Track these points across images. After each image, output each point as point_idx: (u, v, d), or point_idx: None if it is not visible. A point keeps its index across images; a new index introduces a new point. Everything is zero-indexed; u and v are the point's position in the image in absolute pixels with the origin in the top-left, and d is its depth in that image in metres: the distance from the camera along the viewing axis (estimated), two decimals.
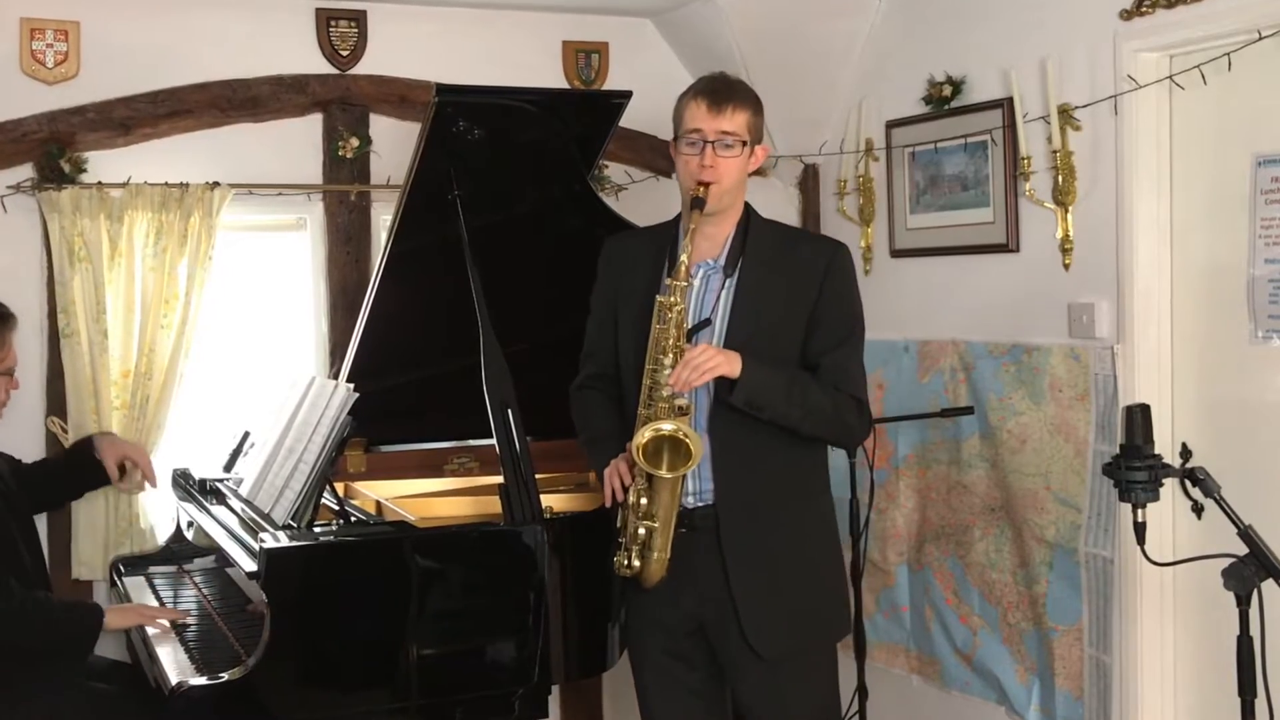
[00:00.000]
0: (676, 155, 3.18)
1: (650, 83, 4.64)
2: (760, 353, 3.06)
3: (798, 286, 3.17)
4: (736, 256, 3.19)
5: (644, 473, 3.04)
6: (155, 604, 3.97)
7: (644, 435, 2.99)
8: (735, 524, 3.17)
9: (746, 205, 3.26)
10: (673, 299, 3.02)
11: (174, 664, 3.44)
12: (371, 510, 3.97)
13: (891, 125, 4.81)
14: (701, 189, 3.06)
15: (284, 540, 3.32)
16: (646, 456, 2.98)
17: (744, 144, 3.13)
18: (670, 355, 3.01)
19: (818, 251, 3.24)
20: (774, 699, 3.23)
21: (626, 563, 3.15)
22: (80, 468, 4.14)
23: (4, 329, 3.79)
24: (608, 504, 3.17)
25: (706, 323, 3.14)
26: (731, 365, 2.99)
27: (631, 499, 3.10)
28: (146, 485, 4.25)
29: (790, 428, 3.12)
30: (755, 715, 3.28)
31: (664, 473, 3.00)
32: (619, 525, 3.17)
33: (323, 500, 3.59)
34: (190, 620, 3.74)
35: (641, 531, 3.10)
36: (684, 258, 3.01)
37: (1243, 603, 2.80)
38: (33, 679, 3.53)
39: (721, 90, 3.12)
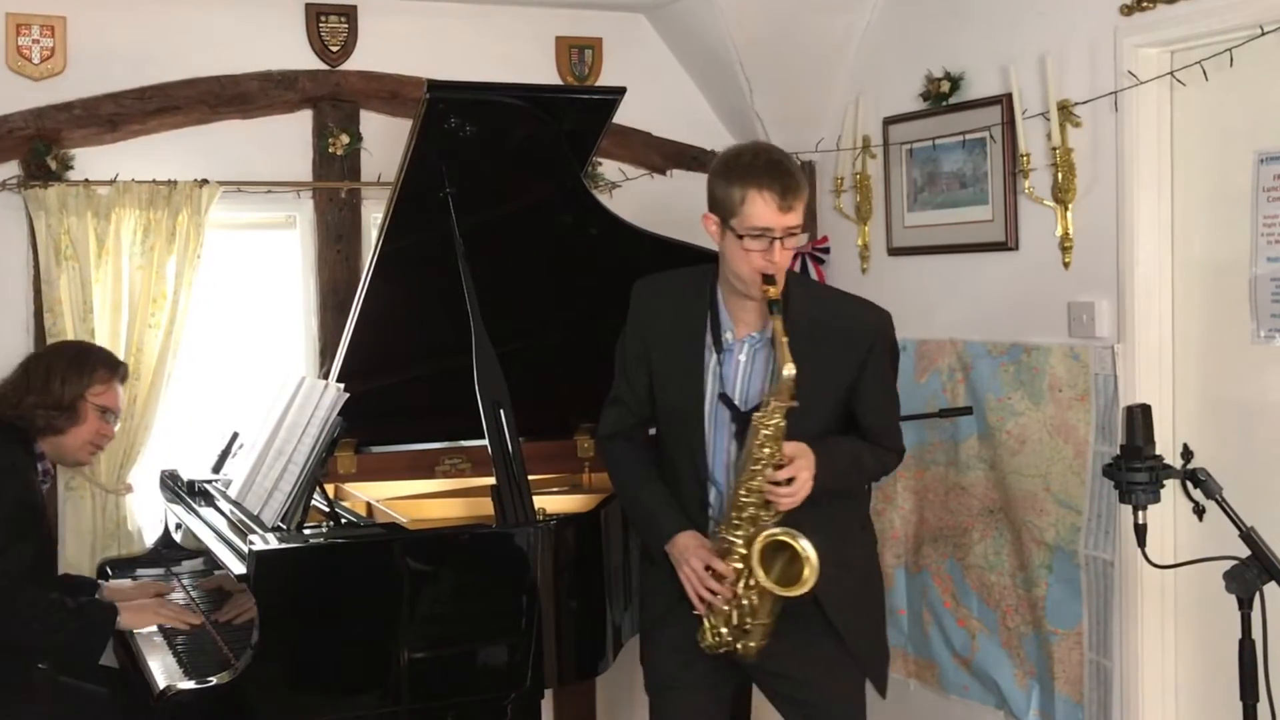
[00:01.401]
0: (728, 240, 3.05)
1: (644, 79, 4.64)
2: (805, 423, 3.03)
3: (842, 359, 3.14)
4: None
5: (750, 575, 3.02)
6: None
7: (760, 544, 2.97)
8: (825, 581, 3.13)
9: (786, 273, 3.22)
10: (776, 418, 2.97)
11: (162, 668, 3.42)
12: (362, 512, 3.97)
13: (889, 122, 4.80)
14: (773, 289, 2.97)
15: (273, 542, 3.32)
16: (765, 564, 2.97)
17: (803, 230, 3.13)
18: (770, 467, 2.98)
19: (862, 326, 3.20)
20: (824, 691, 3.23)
21: (721, 642, 3.10)
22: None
23: (110, 373, 3.87)
24: (701, 610, 3.10)
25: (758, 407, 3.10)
26: (814, 471, 3.01)
27: (735, 591, 3.04)
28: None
29: (843, 488, 3.20)
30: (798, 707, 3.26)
31: (786, 591, 2.97)
32: (701, 611, 3.11)
33: (313, 502, 3.58)
34: (199, 619, 3.71)
35: (746, 624, 3.07)
36: (786, 373, 2.93)
37: (1245, 606, 2.79)
38: (20, 682, 3.50)
39: (788, 181, 3.00)
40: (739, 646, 3.09)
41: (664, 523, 3.17)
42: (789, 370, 2.92)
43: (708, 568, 3.04)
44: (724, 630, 3.08)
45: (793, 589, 2.95)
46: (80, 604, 3.61)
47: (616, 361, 3.32)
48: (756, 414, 3.00)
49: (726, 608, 3.05)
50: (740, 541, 3.01)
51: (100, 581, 4.08)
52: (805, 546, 2.92)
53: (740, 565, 3.01)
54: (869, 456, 3.21)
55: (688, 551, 3.09)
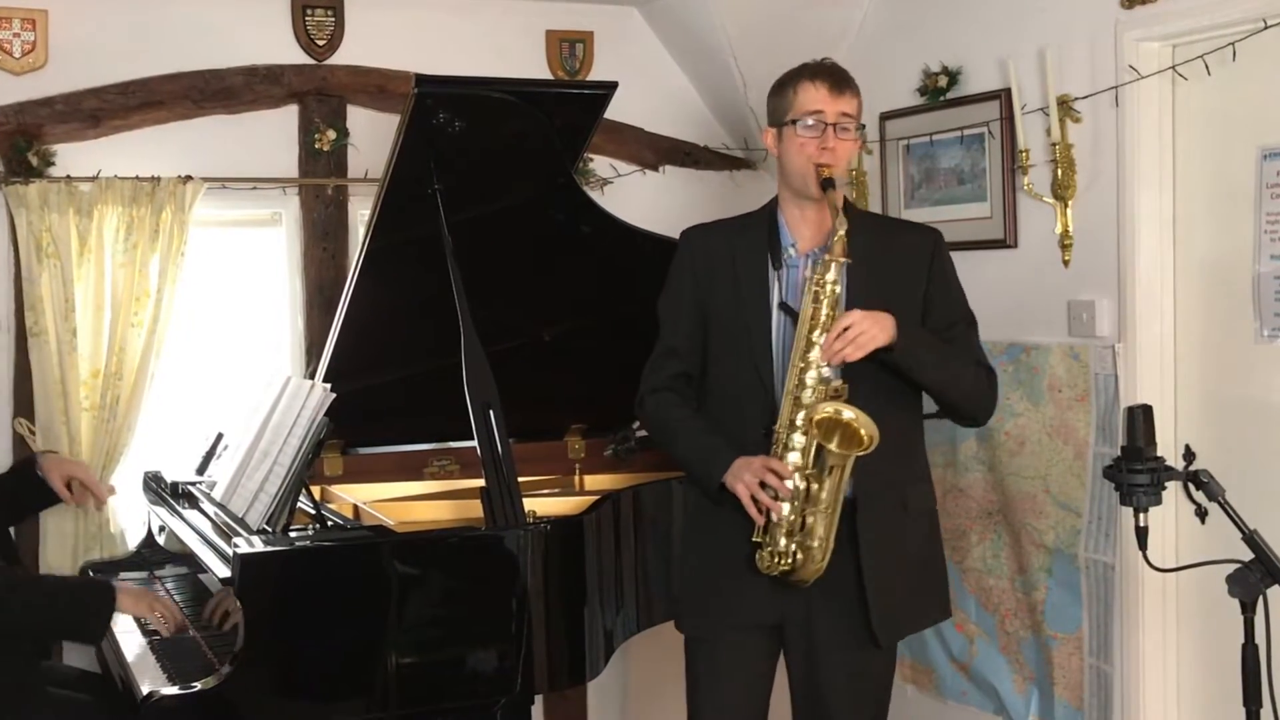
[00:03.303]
0: (785, 139, 3.17)
1: (636, 73, 4.63)
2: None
3: (907, 271, 3.21)
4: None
5: (814, 455, 3.01)
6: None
7: (823, 411, 2.97)
8: (871, 515, 3.17)
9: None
10: (827, 275, 3.03)
11: (145, 673, 3.40)
12: (349, 514, 3.95)
13: (885, 117, 4.78)
14: (826, 169, 3.08)
15: (258, 545, 3.30)
16: (825, 434, 2.97)
17: (860, 127, 3.20)
18: (823, 333, 3.01)
19: (921, 238, 3.30)
20: (859, 681, 3.24)
21: (781, 561, 3.08)
22: (25, 489, 4.08)
23: None
24: (760, 521, 3.08)
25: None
26: (886, 331, 3.01)
27: (799, 485, 3.04)
28: (94, 503, 4.19)
29: (939, 390, 3.20)
30: (825, 699, 3.24)
31: (842, 450, 2.97)
32: (763, 524, 3.09)
33: (298, 504, 3.56)
34: (186, 625, 3.69)
35: (809, 521, 3.04)
36: (842, 231, 3.01)
37: (1248, 610, 2.76)
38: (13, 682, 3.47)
39: (839, 73, 3.18)
40: (799, 560, 3.06)
41: (721, 454, 3.15)
42: (841, 226, 3.00)
43: (770, 470, 3.03)
44: (782, 546, 3.05)
45: (856, 449, 2.96)
46: (78, 585, 3.59)
47: (662, 314, 3.35)
48: (810, 275, 3.04)
49: (788, 510, 3.03)
50: (800, 435, 3.02)
51: (36, 456, 4.09)
52: (854, 415, 2.95)
53: (800, 460, 3.01)
54: (956, 357, 3.19)
55: (742, 464, 3.09)
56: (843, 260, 3.03)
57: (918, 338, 3.09)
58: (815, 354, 3.01)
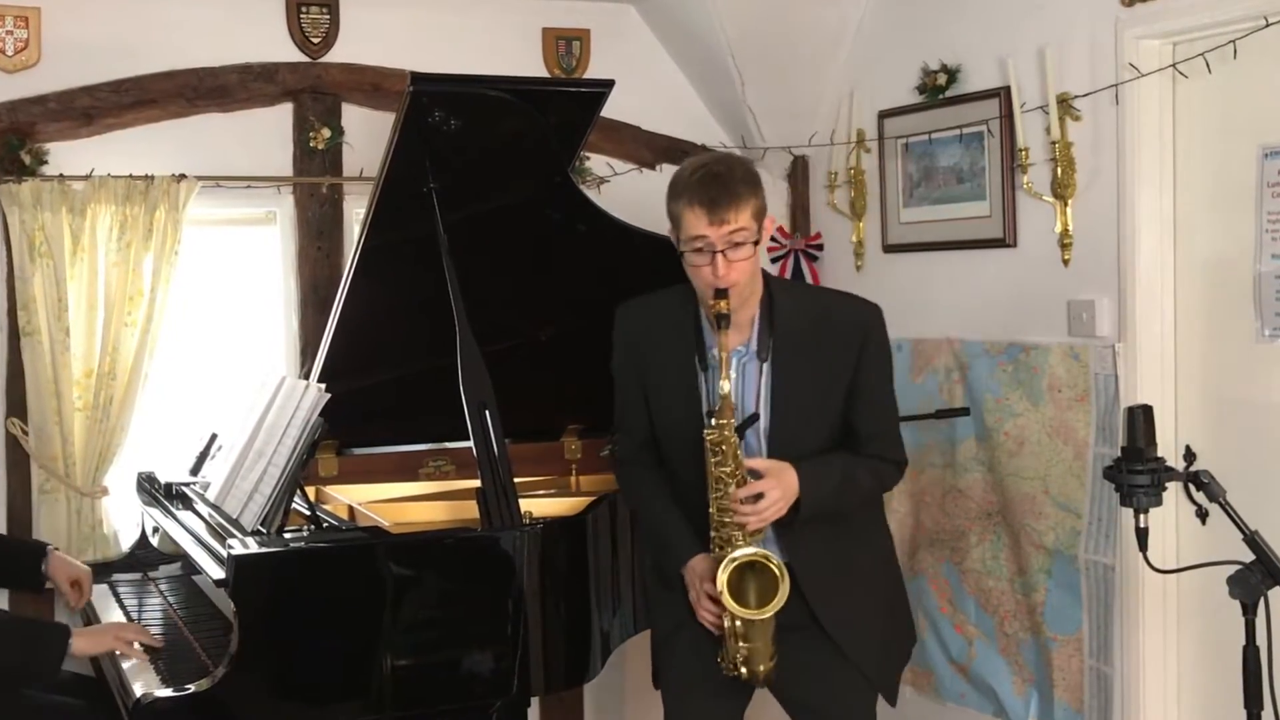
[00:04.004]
0: (683, 254, 3.04)
1: (633, 71, 4.63)
2: (804, 435, 3.08)
3: (835, 361, 3.11)
4: (767, 339, 3.11)
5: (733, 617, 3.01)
6: (121, 615, 3.91)
7: (725, 572, 2.93)
8: (816, 585, 3.13)
9: (765, 277, 3.15)
10: (725, 434, 2.95)
11: (139, 676, 3.39)
12: (344, 515, 3.95)
13: (884, 115, 4.78)
14: (723, 304, 2.94)
15: (253, 547, 3.30)
16: (734, 594, 2.94)
17: (755, 240, 3.00)
18: (733, 483, 2.97)
19: (852, 322, 3.17)
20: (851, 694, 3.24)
21: (734, 669, 3.08)
22: (16, 570, 4.00)
23: None
24: (715, 629, 3.09)
25: (755, 418, 3.08)
26: (789, 498, 2.99)
27: (726, 625, 3.04)
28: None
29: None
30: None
31: (754, 614, 2.95)
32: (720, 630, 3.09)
33: (293, 505, 3.56)
34: (159, 642, 3.64)
35: (743, 651, 3.04)
36: (726, 387, 2.94)
37: (1249, 611, 2.76)
38: None
39: (719, 194, 2.95)
40: (745, 672, 3.05)
41: (679, 546, 3.15)
42: (725, 387, 2.92)
43: (707, 597, 3.05)
44: (734, 656, 3.06)
45: (765, 609, 2.92)
46: (30, 627, 3.55)
47: (616, 379, 3.31)
48: (705, 431, 2.98)
49: (728, 634, 3.05)
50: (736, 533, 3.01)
51: (47, 545, 4.00)
52: (759, 551, 2.94)
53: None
54: (865, 474, 3.15)
55: (695, 575, 3.09)
56: (727, 421, 2.94)
57: (820, 496, 3.03)
58: (727, 503, 2.96)
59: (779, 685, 3.17)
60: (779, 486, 2.96)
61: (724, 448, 2.95)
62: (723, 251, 2.93)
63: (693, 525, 3.11)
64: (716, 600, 2.99)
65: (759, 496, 2.94)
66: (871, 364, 3.13)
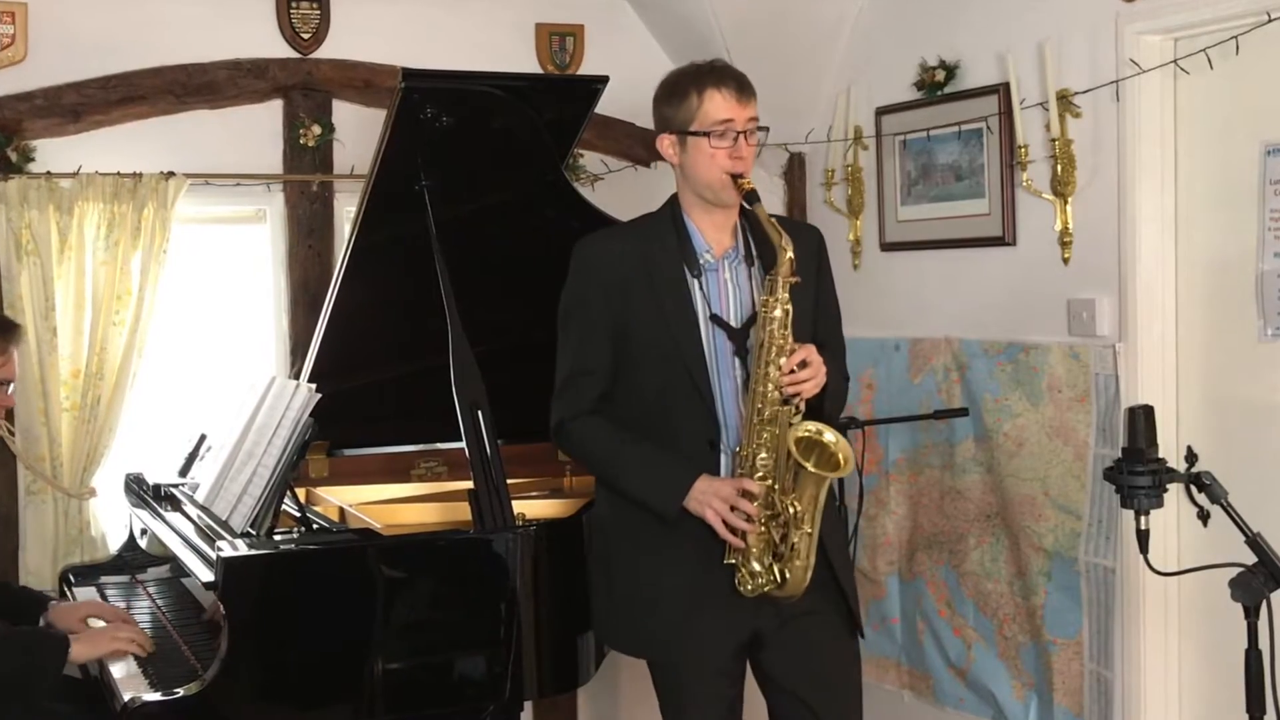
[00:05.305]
0: (692, 149, 3.09)
1: (627, 67, 4.60)
2: (800, 333, 3.07)
3: (803, 270, 3.12)
4: (749, 245, 3.18)
5: (793, 474, 2.99)
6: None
7: (805, 430, 2.97)
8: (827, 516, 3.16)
9: None
10: (781, 295, 2.98)
11: (126, 679, 3.37)
12: (334, 517, 3.94)
13: (881, 112, 4.77)
14: (746, 183, 3.03)
15: (242, 549, 3.29)
16: (803, 454, 2.96)
17: (763, 129, 3.14)
18: (779, 354, 2.98)
19: (809, 237, 3.27)
20: (847, 678, 3.26)
21: (765, 580, 3.03)
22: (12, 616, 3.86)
23: (5, 339, 3.67)
24: (739, 545, 3.03)
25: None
26: (823, 369, 3.04)
27: (781, 506, 3.01)
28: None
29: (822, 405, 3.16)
30: (820, 692, 3.21)
31: (820, 471, 2.96)
32: (739, 546, 3.04)
33: (283, 507, 3.55)
34: (151, 645, 3.62)
35: (795, 542, 3.00)
36: (790, 253, 2.98)
37: (1251, 614, 2.75)
38: None
39: (742, 77, 3.10)
40: (783, 576, 3.01)
41: (675, 475, 3.07)
42: (788, 247, 2.97)
43: (742, 492, 2.97)
44: (762, 566, 3.01)
45: (836, 470, 2.97)
46: (29, 636, 3.51)
47: (568, 333, 3.24)
48: (763, 300, 2.99)
49: (764, 528, 3.00)
50: (766, 454, 2.98)
51: (50, 598, 3.91)
52: (834, 438, 2.97)
53: (771, 481, 2.98)
54: (839, 377, 3.21)
55: (710, 489, 3.02)
56: (793, 280, 2.98)
57: (830, 375, 3.07)
58: (773, 373, 2.96)
59: (777, 675, 3.17)
60: (815, 353, 3.00)
61: (780, 315, 2.96)
62: (745, 133, 3.05)
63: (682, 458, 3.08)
64: (749, 497, 2.96)
65: (804, 365, 2.96)
66: (826, 278, 3.27)
